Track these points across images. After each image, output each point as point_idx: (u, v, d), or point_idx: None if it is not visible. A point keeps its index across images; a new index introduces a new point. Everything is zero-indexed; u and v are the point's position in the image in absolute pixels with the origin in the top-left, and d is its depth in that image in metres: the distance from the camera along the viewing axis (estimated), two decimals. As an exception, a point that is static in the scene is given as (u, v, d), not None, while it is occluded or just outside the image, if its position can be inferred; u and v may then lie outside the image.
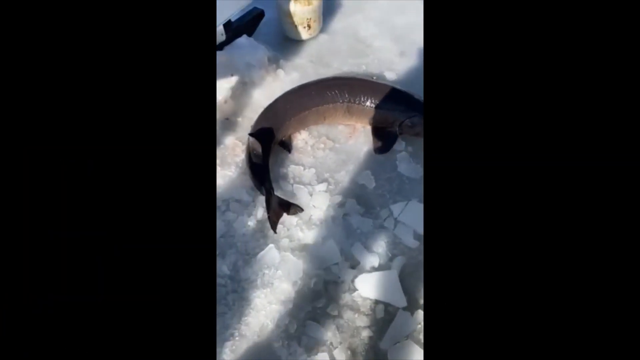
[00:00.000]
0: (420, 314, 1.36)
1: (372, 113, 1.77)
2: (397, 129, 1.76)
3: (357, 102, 1.76)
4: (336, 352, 1.31)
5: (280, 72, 2.05)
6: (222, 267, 1.47)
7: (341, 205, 1.63)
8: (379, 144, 1.76)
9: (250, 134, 1.63)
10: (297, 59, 2.12)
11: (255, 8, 2.13)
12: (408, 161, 1.74)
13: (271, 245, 1.51)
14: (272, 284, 1.44)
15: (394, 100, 1.76)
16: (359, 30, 2.24)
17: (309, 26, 2.09)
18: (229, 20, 1.97)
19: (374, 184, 1.68)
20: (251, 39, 2.09)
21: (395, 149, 1.77)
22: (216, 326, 1.35)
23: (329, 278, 1.45)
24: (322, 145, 1.81)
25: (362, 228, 1.56)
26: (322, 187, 1.67)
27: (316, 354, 1.31)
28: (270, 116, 1.74)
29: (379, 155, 1.76)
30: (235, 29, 2.03)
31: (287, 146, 1.77)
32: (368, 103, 1.76)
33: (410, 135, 1.77)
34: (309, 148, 1.80)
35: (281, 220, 1.55)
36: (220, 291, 1.43)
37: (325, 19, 2.25)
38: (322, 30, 2.23)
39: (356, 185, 1.68)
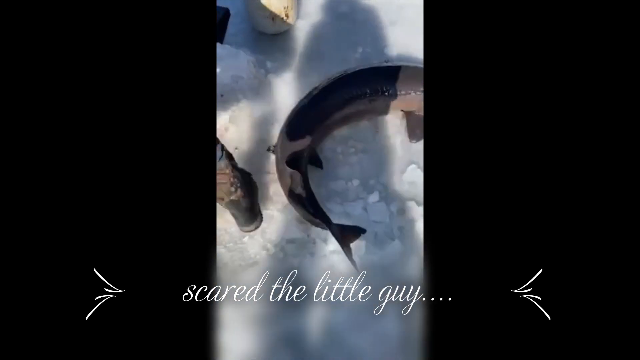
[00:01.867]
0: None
1: (398, 100, 1.60)
2: (428, 111, 1.61)
3: (380, 93, 1.57)
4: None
5: (272, 76, 1.78)
6: (312, 321, 1.29)
7: (401, 212, 1.48)
8: (414, 131, 1.61)
9: (287, 164, 1.40)
10: (283, 56, 1.85)
11: (218, 8, 1.79)
12: (447, 142, 1.61)
13: (351, 281, 1.35)
14: (368, 322, 1.29)
15: (418, 80, 1.59)
16: (336, 6, 1.98)
17: (287, 15, 1.81)
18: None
19: (424, 178, 1.55)
20: (226, 45, 1.78)
21: (430, 132, 1.63)
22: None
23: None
24: (352, 150, 1.62)
25: (433, 230, 1.44)
26: (375, 197, 1.51)
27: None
28: (293, 135, 1.50)
29: (416, 143, 1.61)
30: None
31: (317, 162, 1.56)
32: (391, 91, 1.58)
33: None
34: (340, 157, 1.61)
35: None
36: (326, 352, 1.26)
37: (293, 1, 1.96)
38: (297, 16, 1.95)
39: (408, 184, 1.54)
